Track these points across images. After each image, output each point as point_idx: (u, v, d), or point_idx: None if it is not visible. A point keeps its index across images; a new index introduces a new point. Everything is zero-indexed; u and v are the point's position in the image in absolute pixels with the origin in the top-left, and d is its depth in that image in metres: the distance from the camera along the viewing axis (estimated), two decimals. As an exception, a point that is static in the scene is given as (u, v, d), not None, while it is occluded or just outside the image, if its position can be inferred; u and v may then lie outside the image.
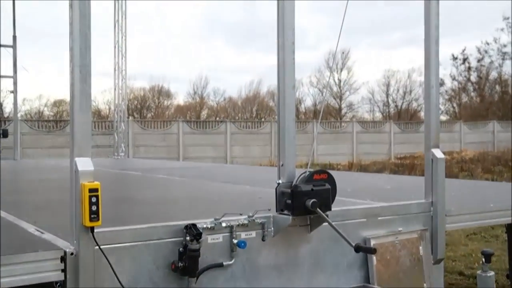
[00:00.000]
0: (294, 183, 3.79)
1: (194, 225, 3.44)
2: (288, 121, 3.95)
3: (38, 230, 3.63)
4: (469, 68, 52.82)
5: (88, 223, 3.01)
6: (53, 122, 31.05)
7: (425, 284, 4.51)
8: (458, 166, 21.31)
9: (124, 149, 21.39)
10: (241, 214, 3.74)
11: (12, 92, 17.88)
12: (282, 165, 3.92)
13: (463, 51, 53.03)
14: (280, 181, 3.86)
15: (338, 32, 4.51)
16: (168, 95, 54.83)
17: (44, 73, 59.07)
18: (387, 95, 55.83)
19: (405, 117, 51.43)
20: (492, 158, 25.66)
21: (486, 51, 50.94)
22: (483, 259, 4.90)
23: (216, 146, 32.21)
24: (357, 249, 3.69)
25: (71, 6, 3.16)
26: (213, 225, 3.57)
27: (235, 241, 3.62)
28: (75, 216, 3.06)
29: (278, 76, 3.92)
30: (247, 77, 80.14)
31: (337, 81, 54.10)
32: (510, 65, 50.17)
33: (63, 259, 3.01)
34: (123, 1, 20.67)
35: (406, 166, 23.13)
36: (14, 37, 17.95)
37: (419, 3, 4.84)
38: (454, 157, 29.04)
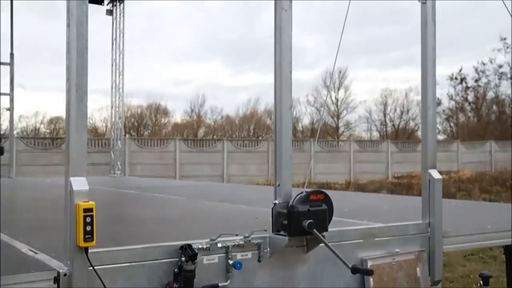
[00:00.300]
0: (290, 203, 3.77)
1: (189, 245, 3.40)
2: (285, 141, 3.94)
3: (31, 250, 3.59)
4: (466, 88, 53.15)
5: (82, 243, 2.98)
6: (49, 140, 31.00)
7: (422, 306, 4.47)
8: (455, 186, 21.29)
9: (120, 167, 21.33)
10: (237, 235, 3.71)
11: (8, 109, 17.87)
12: (279, 185, 3.90)
13: (460, 71, 53.38)
14: (277, 201, 3.84)
15: (335, 51, 4.53)
16: (165, 113, 54.96)
17: (41, 90, 59.12)
18: (385, 114, 56.04)
19: (402, 136, 51.53)
20: (490, 178, 25.66)
21: (483, 71, 51.30)
22: (481, 282, 4.86)
23: (213, 165, 32.16)
24: (354, 270, 3.65)
25: (68, 25, 3.17)
26: (208, 245, 3.54)
27: (230, 262, 3.59)
28: (69, 236, 3.03)
29: (275, 96, 3.92)
30: (245, 95, 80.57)
31: (334, 100, 54.32)
32: (507, 85, 50.43)
33: (56, 280, 2.97)
34: (121, 20, 20.78)
35: (404, 185, 23.11)
36: (12, 55, 18.01)
37: (416, 23, 4.87)
38: (452, 176, 29.03)
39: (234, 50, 66.68)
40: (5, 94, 17.72)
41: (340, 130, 55.39)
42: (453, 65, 70.13)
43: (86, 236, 2.99)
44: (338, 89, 54.33)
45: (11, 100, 17.82)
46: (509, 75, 49.52)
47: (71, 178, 3.06)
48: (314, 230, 3.65)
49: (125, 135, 26.87)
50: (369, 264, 4.22)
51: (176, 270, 3.37)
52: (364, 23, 61.59)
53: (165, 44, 68.07)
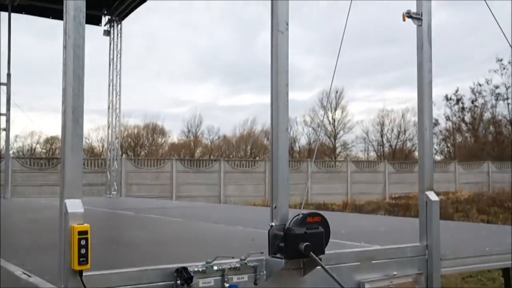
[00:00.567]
0: (287, 225, 3.74)
1: (185, 268, 3.37)
2: (281, 162, 3.93)
3: (25, 273, 3.55)
4: (463, 108, 53.37)
5: (77, 267, 2.95)
6: (45, 160, 30.94)
7: (421, 330, 4.42)
8: (453, 207, 21.25)
9: (116, 187, 21.23)
10: (233, 257, 3.67)
11: (4, 129, 17.84)
12: (275, 207, 3.88)
13: (456, 91, 53.65)
14: (273, 224, 3.81)
15: (332, 72, 4.54)
16: (162, 133, 54.95)
17: (37, 110, 59.18)
18: (382, 134, 56.16)
19: (399, 156, 51.58)
20: (488, 199, 25.63)
21: (479, 92, 51.59)
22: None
23: (210, 185, 32.08)
24: (351, 294, 3.62)
25: (65, 47, 3.17)
26: (204, 268, 3.50)
27: (226, 284, 3.55)
28: (64, 259, 2.99)
29: (271, 118, 3.92)
30: (242, 115, 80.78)
31: (331, 120, 54.45)
32: (503, 106, 50.69)
33: (49, 303, 2.93)
34: (118, 40, 20.88)
35: (401, 206, 23.06)
36: (9, 75, 18.04)
37: (413, 43, 4.90)
38: (449, 197, 29.00)
39: (231, 70, 67.05)
40: (2, 114, 17.72)
41: (337, 151, 55.45)
42: (449, 86, 70.72)
43: (81, 259, 2.95)
44: (335, 109, 54.56)
45: (7, 120, 17.81)
46: (505, 96, 49.84)
47: (66, 200, 3.04)
48: (311, 253, 3.62)
49: (121, 155, 26.82)
50: (367, 287, 4.18)
51: (171, 293, 3.33)
52: (361, 44, 62.06)
53: (162, 64, 68.43)
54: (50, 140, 47.93)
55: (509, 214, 17.83)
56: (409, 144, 55.01)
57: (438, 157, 53.03)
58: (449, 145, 56.37)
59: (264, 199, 30.26)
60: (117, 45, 20.91)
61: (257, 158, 47.44)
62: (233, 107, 67.02)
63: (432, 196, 4.57)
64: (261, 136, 55.72)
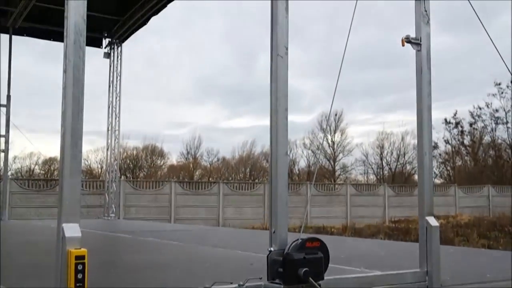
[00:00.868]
0: (286, 251, 3.71)
1: (182, 294, 3.32)
2: (281, 186, 3.91)
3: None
4: (462, 132, 53.44)
5: (73, 292, 2.90)
6: (43, 181, 30.85)
7: None
8: (453, 231, 21.13)
9: (114, 209, 21.15)
10: (231, 283, 3.63)
11: (3, 151, 17.83)
12: (274, 231, 3.85)
13: (455, 115, 53.79)
14: (272, 248, 3.77)
15: (331, 95, 4.55)
16: (161, 154, 54.90)
17: (37, 131, 59.17)
18: (381, 157, 56.13)
19: (399, 180, 51.48)
20: (488, 223, 25.50)
21: (479, 116, 51.70)
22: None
23: (209, 207, 31.93)
24: (351, 321, 3.57)
25: (65, 71, 3.18)
26: (202, 294, 3.46)
27: (225, 311, 3.50)
28: (60, 284, 2.95)
29: (271, 142, 3.91)
30: (241, 137, 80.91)
31: (330, 143, 54.48)
32: (503, 129, 50.74)
33: (44, 330, 2.88)
34: (118, 62, 21.01)
35: (401, 230, 22.93)
36: (8, 97, 18.10)
37: (413, 67, 4.91)
38: (450, 221, 28.86)
39: (231, 92, 67.24)
40: (1, 136, 17.74)
41: (337, 173, 55.36)
42: (448, 109, 70.86)
43: (78, 284, 2.91)
44: (335, 132, 54.59)
45: (6, 142, 17.82)
46: (505, 120, 49.94)
47: (64, 225, 3.01)
48: (310, 278, 3.58)
49: (120, 177, 26.75)
50: (367, 314, 4.12)
51: (168, 320, 3.28)
52: (361, 67, 62.31)
53: (162, 86, 68.62)
54: (48, 162, 47.87)
55: (510, 239, 17.73)
56: (408, 167, 54.97)
57: (437, 181, 52.93)
58: (448, 168, 56.33)
59: (263, 222, 30.11)
60: (117, 67, 21.03)
61: (256, 181, 47.32)
62: (233, 129, 67.12)
63: (432, 222, 4.54)
64: (260, 158, 55.71)
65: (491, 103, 50.70)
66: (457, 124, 53.44)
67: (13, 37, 19.11)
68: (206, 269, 5.25)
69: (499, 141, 51.75)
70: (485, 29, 5.59)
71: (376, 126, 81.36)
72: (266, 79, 4.10)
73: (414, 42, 4.78)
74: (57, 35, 18.93)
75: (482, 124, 52.09)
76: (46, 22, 18.87)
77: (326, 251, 3.79)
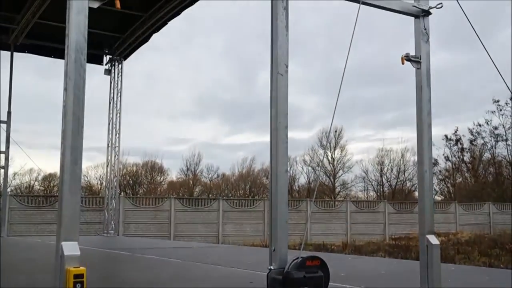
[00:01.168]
0: (286, 269, 3.68)
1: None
2: (281, 204, 3.90)
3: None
4: (462, 149, 53.40)
5: (71, 312, 2.88)
6: (43, 198, 30.76)
7: None
8: (454, 249, 21.00)
9: (114, 226, 21.08)
10: (231, 302, 3.60)
11: (3, 167, 17.81)
12: (274, 250, 3.83)
13: (455, 131, 53.80)
14: (272, 267, 3.75)
15: (332, 112, 4.55)
16: (161, 171, 54.83)
17: (37, 147, 59.15)
18: (381, 174, 56.03)
19: (399, 196, 51.34)
20: (489, 241, 25.36)
21: (478, 133, 51.69)
22: None
23: (208, 224, 31.80)
24: None
25: (65, 89, 3.18)
26: (201, 314, 3.43)
27: (224, 331, 3.47)
28: (58, 304, 2.93)
29: (270, 160, 3.91)
30: (241, 154, 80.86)
31: (330, 159, 54.44)
32: (503, 146, 50.69)
33: None
34: (119, 79, 21.08)
35: (401, 247, 22.80)
36: (9, 113, 18.12)
37: (413, 84, 4.92)
38: (450, 238, 28.71)
39: (231, 109, 67.39)
40: (1, 152, 17.73)
41: (337, 190, 55.24)
42: (448, 126, 70.91)
43: (76, 304, 2.89)
44: (334, 148, 54.59)
45: (6, 158, 17.81)
46: (504, 137, 49.92)
47: (63, 243, 2.99)
48: (310, 298, 3.55)
49: (120, 194, 26.68)
50: (367, 333, 4.09)
51: None
52: (361, 84, 62.56)
53: (162, 102, 68.83)
54: (48, 178, 47.78)
55: (511, 257, 17.62)
56: (408, 184, 54.88)
57: (438, 198, 52.80)
58: (449, 185, 56.20)
59: (263, 238, 29.98)
60: (117, 83, 21.10)
61: (256, 197, 47.21)
62: (233, 145, 67.12)
63: (433, 240, 4.52)
64: (260, 175, 55.64)
65: (490, 120, 50.74)
66: (457, 141, 53.45)
67: (14, 53, 19.21)
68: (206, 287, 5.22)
69: (499, 158, 51.70)
70: (483, 46, 5.62)
71: (376, 142, 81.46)
72: (266, 95, 4.11)
73: (413, 60, 4.80)
74: (58, 52, 19.02)
75: (482, 141, 52.09)
76: (47, 39, 18.99)
77: (326, 269, 3.77)
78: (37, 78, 57.11)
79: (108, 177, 21.48)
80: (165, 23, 18.39)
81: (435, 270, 4.48)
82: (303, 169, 55.32)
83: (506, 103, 48.28)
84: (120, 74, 21.17)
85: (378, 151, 56.85)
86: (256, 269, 5.80)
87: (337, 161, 55.19)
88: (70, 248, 2.99)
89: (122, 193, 34.48)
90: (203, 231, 31.27)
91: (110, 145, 20.98)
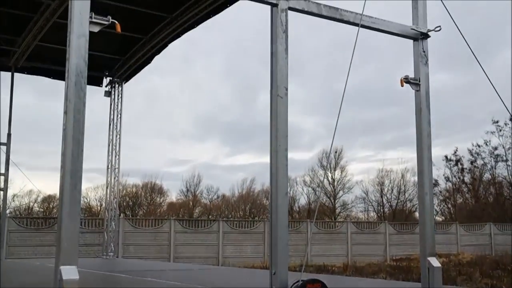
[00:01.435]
0: (287, 293, 3.65)
1: None
2: (281, 228, 3.88)
3: None
4: (462, 169, 53.35)
5: (68, 338, 2.84)
6: (42, 219, 30.63)
7: None
8: (455, 270, 20.86)
9: (113, 248, 20.95)
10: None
11: (2, 189, 17.77)
12: (274, 273, 3.80)
13: (455, 152, 53.81)
14: (273, 291, 3.72)
15: (332, 132, 4.55)
16: (160, 192, 54.72)
17: (36, 168, 59.09)
18: (381, 195, 55.91)
19: (400, 217, 51.15)
20: (491, 262, 25.19)
21: (478, 153, 51.69)
22: None
23: (208, 245, 31.64)
24: None
25: (65, 112, 3.18)
26: None
27: None
28: (55, 330, 2.89)
29: (270, 182, 3.90)
30: (241, 175, 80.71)
31: (330, 180, 54.36)
32: (503, 167, 50.65)
33: None
34: (119, 101, 21.14)
35: (402, 269, 22.64)
36: (9, 135, 18.14)
37: (412, 104, 4.93)
38: (452, 260, 28.53)
39: (231, 129, 67.51)
40: (0, 174, 17.71)
41: (337, 211, 55.06)
42: (448, 146, 70.94)
43: (73, 330, 2.85)
44: (335, 169, 54.56)
45: (5, 180, 17.77)
46: (504, 157, 49.91)
47: (62, 267, 2.97)
48: (312, 323, 3.51)
49: (119, 215, 26.58)
50: None
51: None
52: (361, 104, 62.70)
53: (162, 123, 68.97)
54: (47, 199, 47.64)
55: (513, 278, 17.50)
56: (409, 204, 54.76)
57: (439, 218, 52.60)
58: (449, 205, 56.04)
59: (264, 260, 29.80)
60: (117, 105, 21.15)
61: (256, 218, 47.05)
62: (233, 166, 67.09)
63: (435, 262, 4.49)
64: (260, 196, 55.52)
65: (489, 141, 50.81)
66: (457, 161, 53.45)
67: (15, 75, 19.30)
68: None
69: (500, 178, 51.64)
70: (482, 68, 5.64)
71: (376, 163, 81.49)
72: (266, 115, 4.12)
73: (413, 82, 4.82)
74: (58, 74, 19.11)
75: (482, 162, 52.09)
76: (48, 61, 19.10)
77: (327, 293, 3.74)
78: (37, 99, 57.32)
79: (108, 199, 21.41)
80: (165, 45, 18.50)
81: (437, 293, 4.44)
82: (303, 189, 55.23)
83: (506, 124, 48.41)
84: (120, 96, 21.24)
85: (378, 171, 56.82)
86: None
87: (338, 181, 55.15)
88: (69, 272, 2.97)
89: (121, 215, 34.38)
90: (203, 252, 31.12)
91: (110, 166, 20.96)
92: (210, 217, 50.23)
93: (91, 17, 3.50)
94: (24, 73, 19.78)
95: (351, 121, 56.70)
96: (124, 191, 49.27)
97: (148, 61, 19.72)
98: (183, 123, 69.00)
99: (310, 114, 65.67)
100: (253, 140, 66.56)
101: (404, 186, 55.08)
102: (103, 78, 21.44)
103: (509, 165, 50.28)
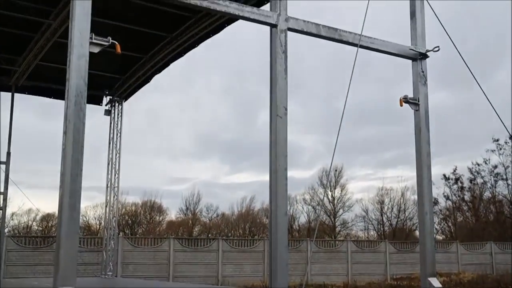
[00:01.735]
0: (286, 315, 3.62)
1: None
2: (281, 248, 3.86)
3: None
4: (462, 187, 53.24)
5: None
6: (41, 238, 30.48)
7: None
8: (456, 289, 20.74)
9: (112, 267, 20.82)
10: None
11: (1, 208, 17.72)
12: (274, 294, 3.77)
13: (454, 170, 53.74)
14: (272, 312, 3.69)
15: (332, 150, 4.55)
16: (160, 210, 54.54)
17: (35, 187, 58.97)
18: (381, 213, 55.73)
19: (400, 236, 50.93)
20: (492, 281, 25.04)
21: (478, 172, 51.62)
22: None
23: (208, 264, 31.46)
24: None
25: (65, 132, 3.18)
26: None
27: None
28: None
29: (270, 202, 3.89)
30: (241, 193, 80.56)
31: (330, 198, 54.23)
32: (503, 185, 50.53)
33: None
34: (119, 119, 21.17)
35: (403, 288, 22.52)
36: (8, 154, 18.13)
37: (412, 123, 4.93)
38: (453, 279, 28.36)
39: (231, 148, 67.50)
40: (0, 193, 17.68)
41: (337, 229, 54.84)
42: (447, 164, 70.85)
43: None
44: (335, 187, 54.45)
45: (4, 199, 17.74)
46: (504, 176, 49.84)
47: (59, 288, 2.95)
48: None
49: (118, 234, 26.46)
50: None
51: None
52: (360, 122, 62.80)
53: (162, 141, 69.00)
54: (46, 218, 47.46)
55: (514, 297, 17.35)
56: (409, 223, 54.55)
57: (439, 237, 52.37)
58: (450, 224, 55.81)
59: (263, 279, 29.61)
60: (117, 124, 21.19)
61: (256, 237, 46.83)
62: (233, 184, 66.95)
63: (435, 283, 4.45)
64: (260, 214, 55.34)
65: (489, 159, 50.80)
66: (456, 180, 53.37)
67: (15, 94, 19.35)
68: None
69: (500, 197, 51.52)
70: (480, 87, 5.66)
71: (376, 181, 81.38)
72: (266, 133, 4.12)
73: (412, 102, 4.83)
74: (59, 93, 19.16)
75: (482, 180, 52.01)
76: (48, 80, 19.17)
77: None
78: (37, 118, 57.41)
79: (107, 217, 21.34)
80: (167, 64, 18.59)
81: (438, 314, 4.40)
82: (303, 208, 55.04)
83: (506, 142, 48.44)
84: (120, 114, 21.28)
85: (378, 190, 56.70)
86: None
87: (338, 200, 55.01)
88: (67, 294, 2.94)
89: (120, 233, 34.24)
90: (203, 271, 30.93)
91: (109, 185, 20.93)
92: (209, 235, 50.01)
93: (91, 38, 3.53)
94: (25, 93, 19.83)
95: (351, 139, 56.76)
96: (124, 209, 49.13)
97: (147, 80, 19.80)
98: (183, 141, 69.06)
99: (310, 132, 65.75)
100: (253, 158, 66.53)
101: (404, 204, 54.95)
102: (103, 97, 21.50)
103: (509, 184, 50.20)
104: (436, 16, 5.60)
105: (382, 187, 56.85)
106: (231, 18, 13.81)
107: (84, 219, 47.31)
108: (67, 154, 3.18)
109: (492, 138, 49.23)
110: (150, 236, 37.31)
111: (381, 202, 55.63)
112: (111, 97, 21.33)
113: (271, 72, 4.21)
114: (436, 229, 51.65)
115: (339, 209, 55.25)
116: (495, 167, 50.56)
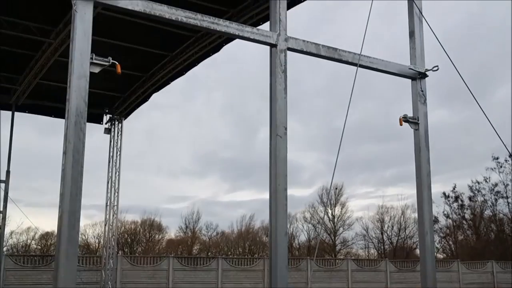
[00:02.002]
0: (287, 336, 3.58)
1: None
2: (281, 267, 3.84)
3: None
4: (462, 205, 53.09)
5: None
6: (39, 257, 30.29)
7: None
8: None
9: (111, 287, 20.67)
10: None
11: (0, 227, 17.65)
12: (274, 316, 3.73)
13: (454, 188, 53.62)
14: (272, 334, 3.65)
15: (332, 168, 4.54)
16: (159, 229, 54.32)
17: (34, 205, 58.86)
18: (382, 231, 55.50)
19: (400, 254, 50.66)
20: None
21: (478, 190, 51.52)
22: None
23: (207, 283, 31.25)
24: None
25: (65, 153, 3.18)
26: None
27: None
28: None
29: (270, 222, 3.88)
30: (241, 211, 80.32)
31: (330, 216, 54.05)
32: (503, 203, 50.41)
33: None
34: (118, 138, 21.18)
35: (404, 307, 22.33)
36: (8, 172, 18.09)
37: (411, 140, 4.93)
38: (454, 298, 28.13)
39: (231, 166, 67.48)
40: (-1, 212, 17.61)
41: (337, 248, 54.57)
42: (446, 182, 70.76)
43: None
44: (335, 205, 54.30)
45: (3, 218, 17.66)
46: (504, 194, 49.73)
47: (57, 310, 2.92)
48: None
49: (117, 252, 26.32)
50: None
51: None
52: (360, 141, 62.91)
53: (162, 159, 69.01)
54: (45, 236, 47.24)
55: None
56: (409, 241, 54.29)
57: (440, 255, 52.08)
58: (450, 242, 55.52)
59: (263, 298, 29.39)
60: (117, 142, 21.19)
61: (256, 256, 46.56)
62: (233, 202, 66.81)
63: (437, 303, 4.42)
64: (260, 233, 55.08)
65: (489, 177, 50.75)
66: (456, 198, 53.24)
67: (15, 113, 19.37)
68: None
69: (501, 215, 51.36)
70: (479, 106, 5.67)
71: (376, 199, 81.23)
72: (266, 151, 4.12)
73: (411, 121, 4.84)
74: (58, 112, 19.18)
75: (482, 198, 51.90)
76: (48, 99, 19.19)
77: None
78: (37, 136, 57.49)
79: (106, 236, 21.24)
80: (166, 83, 18.65)
81: (440, 335, 4.36)
82: (303, 226, 54.83)
83: (506, 160, 48.43)
84: (120, 133, 21.30)
85: (378, 208, 56.56)
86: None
87: (338, 218, 54.82)
88: (65, 315, 2.92)
89: (120, 252, 34.03)
90: (202, 291, 30.70)
91: (108, 203, 20.87)
92: (209, 254, 49.75)
93: (91, 58, 3.54)
94: (25, 112, 19.84)
95: (351, 157, 56.75)
96: (123, 227, 48.93)
97: (147, 98, 19.87)
98: (183, 159, 69.04)
99: (310, 151, 65.80)
100: (253, 176, 66.52)
101: (405, 223, 54.75)
102: (103, 116, 21.52)
103: (509, 202, 50.07)
104: (435, 36, 5.64)
105: (382, 205, 56.72)
106: (230, 38, 13.91)
107: (83, 237, 47.11)
108: (66, 174, 3.17)
109: (492, 156, 49.27)
110: (149, 255, 37.12)
111: (382, 220, 55.45)
112: (111, 116, 21.35)
113: (270, 92, 4.23)
114: (436, 247, 51.40)
115: (339, 227, 55.04)
116: (495, 185, 50.49)
